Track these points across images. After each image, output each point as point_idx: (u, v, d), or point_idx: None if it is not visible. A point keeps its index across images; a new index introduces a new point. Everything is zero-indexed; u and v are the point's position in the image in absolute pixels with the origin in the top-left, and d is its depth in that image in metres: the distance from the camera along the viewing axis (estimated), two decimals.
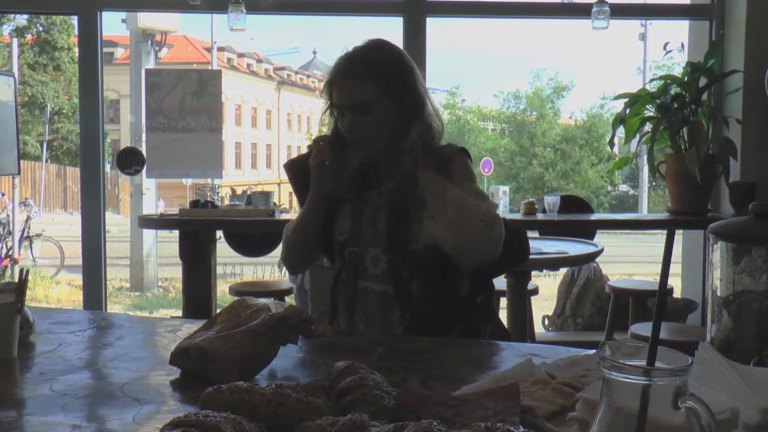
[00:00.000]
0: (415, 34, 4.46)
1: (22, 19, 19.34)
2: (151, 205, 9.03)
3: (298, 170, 1.90)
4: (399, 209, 1.78)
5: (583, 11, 4.52)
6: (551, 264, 3.63)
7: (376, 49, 1.81)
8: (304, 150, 1.99)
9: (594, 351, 1.32)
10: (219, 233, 4.35)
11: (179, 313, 5.13)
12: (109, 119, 20.37)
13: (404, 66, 1.81)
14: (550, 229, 4.20)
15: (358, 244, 1.82)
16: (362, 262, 1.81)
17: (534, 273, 4.44)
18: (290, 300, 4.15)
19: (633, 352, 0.70)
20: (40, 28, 19.84)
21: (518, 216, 4.23)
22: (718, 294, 1.28)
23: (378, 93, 1.75)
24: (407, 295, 1.76)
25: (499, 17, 5.40)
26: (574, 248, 3.67)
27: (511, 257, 1.84)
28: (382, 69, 1.76)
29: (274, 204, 4.26)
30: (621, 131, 4.50)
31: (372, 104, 1.75)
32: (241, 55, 26.06)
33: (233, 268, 9.08)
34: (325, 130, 1.90)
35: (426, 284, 1.76)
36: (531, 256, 2.96)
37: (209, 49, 18.82)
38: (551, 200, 4.33)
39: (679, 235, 4.81)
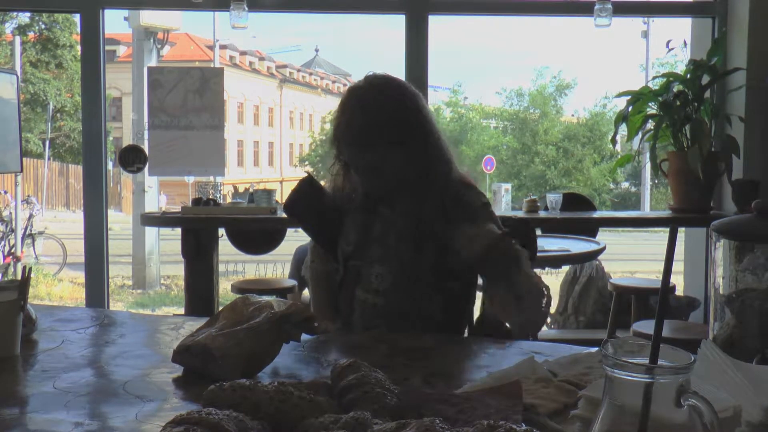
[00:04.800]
0: (418, 32, 4.46)
1: (24, 17, 19.34)
2: (154, 203, 9.03)
3: (295, 208, 1.90)
4: (410, 231, 1.74)
5: (586, 9, 4.51)
6: (553, 262, 3.62)
7: (379, 103, 1.70)
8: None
9: (596, 349, 1.32)
10: (221, 231, 4.35)
11: (181, 310, 5.13)
12: (112, 117, 20.38)
13: (409, 110, 1.72)
14: (552, 227, 4.20)
15: (363, 258, 1.79)
16: (366, 276, 1.78)
17: (536, 270, 4.43)
18: (292, 298, 4.15)
19: (635, 350, 0.70)
20: (43, 26, 19.82)
21: (520, 214, 4.23)
22: (721, 292, 1.28)
23: (388, 153, 1.71)
24: (409, 308, 1.76)
25: (501, 15, 5.40)
26: (577, 246, 3.66)
27: None
28: (387, 127, 1.69)
29: (276, 202, 4.27)
30: (623, 129, 4.50)
31: (384, 166, 1.72)
32: (243, 53, 26.05)
33: (235, 266, 9.08)
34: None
35: (430, 300, 1.76)
36: None
37: (211, 47, 18.80)
38: (553, 198, 4.33)
39: (681, 233, 4.81)
